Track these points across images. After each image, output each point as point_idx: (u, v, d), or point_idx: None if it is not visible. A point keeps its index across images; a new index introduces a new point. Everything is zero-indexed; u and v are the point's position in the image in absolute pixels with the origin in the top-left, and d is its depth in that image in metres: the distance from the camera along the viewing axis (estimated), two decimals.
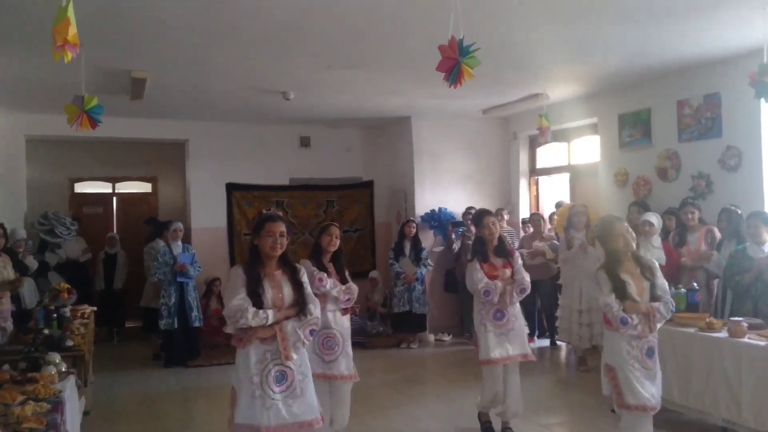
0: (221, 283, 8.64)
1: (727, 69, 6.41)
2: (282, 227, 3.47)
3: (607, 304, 3.98)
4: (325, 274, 4.63)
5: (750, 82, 5.00)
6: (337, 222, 10.13)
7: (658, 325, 4.05)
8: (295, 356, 3.40)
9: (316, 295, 3.76)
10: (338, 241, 4.80)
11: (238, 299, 3.31)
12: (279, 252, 3.46)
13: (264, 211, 3.58)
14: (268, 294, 3.38)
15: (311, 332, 3.48)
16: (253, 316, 3.28)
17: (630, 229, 4.14)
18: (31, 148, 9.43)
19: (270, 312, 3.34)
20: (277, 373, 3.34)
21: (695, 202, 6.47)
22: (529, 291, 5.04)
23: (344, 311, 4.79)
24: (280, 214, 3.62)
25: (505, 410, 5.07)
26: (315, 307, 3.51)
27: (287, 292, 3.45)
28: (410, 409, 5.99)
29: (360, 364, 7.30)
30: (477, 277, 4.87)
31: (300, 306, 3.45)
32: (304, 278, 3.60)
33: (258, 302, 3.33)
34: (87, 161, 10.72)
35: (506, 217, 8.67)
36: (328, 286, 4.60)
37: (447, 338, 9.07)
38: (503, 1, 4.61)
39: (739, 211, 5.90)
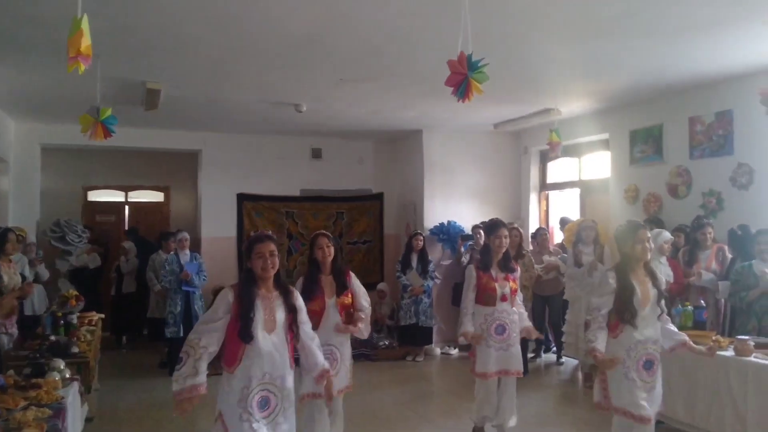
0: None
1: (740, 86, 6.37)
2: (272, 246, 3.41)
3: (597, 308, 3.94)
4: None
5: (761, 99, 4.98)
6: (347, 234, 10.34)
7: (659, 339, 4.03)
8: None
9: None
10: (332, 249, 4.61)
11: (196, 334, 3.26)
12: (271, 272, 3.40)
13: (252, 233, 3.58)
14: (260, 316, 3.30)
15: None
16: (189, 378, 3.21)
17: (650, 239, 4.11)
18: (46, 157, 9.56)
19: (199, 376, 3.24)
20: (261, 399, 3.28)
21: (710, 220, 6.43)
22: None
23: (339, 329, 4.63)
24: (270, 233, 3.54)
25: (500, 422, 5.08)
26: (318, 344, 3.63)
27: (279, 315, 3.38)
28: (417, 424, 5.96)
29: (367, 377, 7.36)
30: (470, 294, 4.94)
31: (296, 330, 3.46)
32: (299, 302, 3.53)
33: (247, 325, 3.24)
34: (101, 170, 10.85)
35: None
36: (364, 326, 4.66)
37: (453, 351, 9.05)
38: (517, 19, 4.64)
39: (739, 233, 5.87)
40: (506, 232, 5.00)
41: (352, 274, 4.78)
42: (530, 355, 8.12)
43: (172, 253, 7.97)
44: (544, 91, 7.13)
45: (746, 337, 4.66)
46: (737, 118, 6.51)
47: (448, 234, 9.46)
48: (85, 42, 3.18)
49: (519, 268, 5.17)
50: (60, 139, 8.90)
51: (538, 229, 8.73)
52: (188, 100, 7.39)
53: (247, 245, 3.48)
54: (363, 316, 4.63)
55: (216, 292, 8.71)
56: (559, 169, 9.71)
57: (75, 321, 5.80)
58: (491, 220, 5.18)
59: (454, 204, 9.78)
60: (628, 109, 7.82)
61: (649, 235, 4.08)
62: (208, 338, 3.23)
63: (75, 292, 6.34)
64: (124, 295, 9.58)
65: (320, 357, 3.61)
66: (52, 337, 5.24)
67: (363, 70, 6.09)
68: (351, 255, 10.38)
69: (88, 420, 5.35)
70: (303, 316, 3.55)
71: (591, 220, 7.26)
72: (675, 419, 4.81)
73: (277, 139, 10.09)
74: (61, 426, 3.30)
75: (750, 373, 4.35)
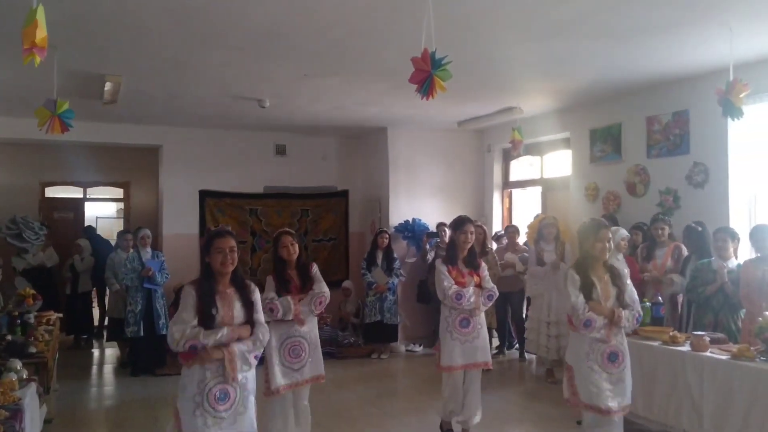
0: None
1: (696, 87, 6.53)
2: (232, 242, 3.44)
3: (573, 307, 4.00)
4: (277, 302, 4.46)
5: (717, 100, 5.10)
6: (311, 231, 10.30)
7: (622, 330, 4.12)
8: (240, 377, 3.38)
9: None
10: (296, 247, 4.66)
11: (179, 325, 3.28)
12: (230, 268, 3.44)
13: (212, 228, 3.58)
14: (220, 312, 3.36)
15: (256, 357, 3.49)
16: (204, 336, 3.26)
17: (611, 239, 4.19)
18: (1, 151, 9.33)
19: (224, 330, 3.32)
20: (220, 392, 3.32)
21: (666, 218, 6.55)
22: (496, 297, 5.10)
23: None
24: (230, 228, 3.60)
25: (465, 418, 5.12)
26: (264, 334, 3.51)
27: (238, 310, 3.44)
28: (381, 421, 5.97)
29: (331, 375, 7.31)
30: (447, 283, 4.89)
31: (252, 328, 3.45)
32: (256, 297, 3.56)
33: (210, 321, 3.30)
34: (59, 165, 10.59)
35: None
36: (279, 315, 4.47)
37: (418, 349, 9.08)
38: (479, 18, 4.68)
39: (699, 229, 6.00)
40: (472, 228, 5.06)
41: (315, 266, 4.82)
42: (493, 351, 8.20)
43: (132, 250, 7.83)
44: (507, 90, 7.21)
45: (702, 333, 4.77)
46: (693, 118, 6.67)
47: (413, 231, 9.50)
48: (41, 33, 3.12)
49: (484, 265, 5.21)
50: (16, 133, 8.62)
51: (507, 227, 8.82)
52: (148, 94, 7.25)
53: (206, 240, 3.50)
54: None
55: (177, 289, 8.65)
56: (521, 167, 9.83)
57: (32, 320, 5.66)
58: (458, 217, 5.21)
59: (419, 201, 9.82)
60: (588, 108, 7.95)
61: (610, 235, 4.18)
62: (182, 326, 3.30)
63: (32, 291, 6.19)
64: (79, 295, 9.36)
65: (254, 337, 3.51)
66: (9, 337, 5.10)
67: (326, 65, 6.06)
68: (316, 252, 10.33)
69: (48, 421, 5.23)
70: (259, 315, 3.56)
71: (552, 218, 7.37)
72: (634, 413, 4.91)
73: (240, 134, 9.96)
74: (18, 427, 3.22)
75: (706, 368, 4.45)
